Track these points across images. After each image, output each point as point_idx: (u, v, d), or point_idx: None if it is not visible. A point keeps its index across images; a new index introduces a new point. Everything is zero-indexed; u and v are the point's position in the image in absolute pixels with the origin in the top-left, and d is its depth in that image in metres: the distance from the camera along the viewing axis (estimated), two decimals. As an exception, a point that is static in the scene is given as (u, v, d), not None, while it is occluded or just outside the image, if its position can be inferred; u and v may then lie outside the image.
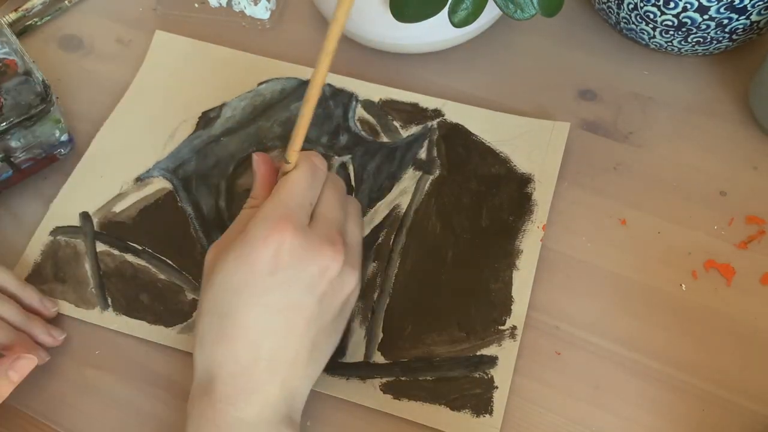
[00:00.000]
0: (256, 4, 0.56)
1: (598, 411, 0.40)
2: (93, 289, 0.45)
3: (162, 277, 0.45)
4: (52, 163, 0.49)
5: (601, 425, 0.39)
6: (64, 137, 0.48)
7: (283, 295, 0.35)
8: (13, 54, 0.48)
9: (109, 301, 0.44)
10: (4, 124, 0.44)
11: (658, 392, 0.40)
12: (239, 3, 0.57)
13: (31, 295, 0.43)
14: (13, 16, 0.58)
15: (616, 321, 0.42)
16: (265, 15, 0.57)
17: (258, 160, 0.40)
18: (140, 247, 0.46)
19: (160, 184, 0.49)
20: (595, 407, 0.40)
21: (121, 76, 0.55)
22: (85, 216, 0.47)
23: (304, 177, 0.37)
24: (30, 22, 0.58)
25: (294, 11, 0.58)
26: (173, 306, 0.44)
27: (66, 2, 0.59)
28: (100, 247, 0.46)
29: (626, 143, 0.49)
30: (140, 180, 0.49)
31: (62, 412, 0.41)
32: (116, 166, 0.49)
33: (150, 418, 0.41)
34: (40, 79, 0.46)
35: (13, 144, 0.46)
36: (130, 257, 0.46)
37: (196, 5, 0.58)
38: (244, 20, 0.57)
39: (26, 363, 0.38)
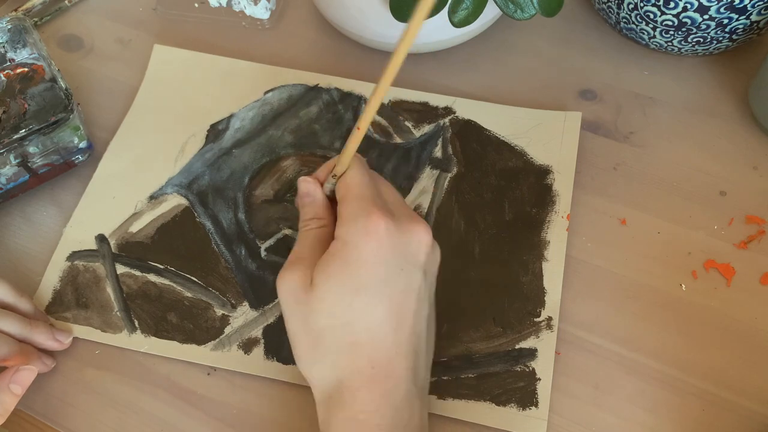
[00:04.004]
0: (256, 4, 0.56)
1: (598, 411, 0.40)
2: (118, 313, 0.44)
3: (188, 294, 0.44)
4: (70, 168, 0.49)
5: (601, 425, 0.39)
6: (82, 144, 0.48)
7: (397, 282, 0.35)
8: (41, 60, 0.48)
9: (136, 323, 0.44)
10: (24, 131, 0.44)
11: (658, 392, 0.40)
12: (239, 3, 0.57)
13: (26, 305, 0.43)
14: (13, 15, 0.58)
15: (616, 321, 0.42)
16: (265, 15, 0.57)
17: (307, 182, 0.39)
18: (162, 266, 0.45)
19: (175, 201, 0.48)
20: (595, 407, 0.40)
21: (122, 75, 0.55)
22: (101, 239, 0.47)
23: (363, 170, 0.37)
24: (30, 22, 0.58)
25: (294, 11, 0.58)
26: (203, 323, 0.43)
27: (66, 2, 0.59)
28: (121, 269, 0.46)
29: (626, 143, 0.49)
30: (154, 198, 0.48)
31: (62, 412, 0.41)
32: (128, 185, 0.49)
33: (150, 418, 0.41)
34: (64, 87, 0.46)
35: (31, 150, 0.45)
36: (152, 277, 0.45)
37: (196, 5, 0.58)
38: (244, 20, 0.57)
39: (27, 374, 0.39)
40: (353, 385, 0.34)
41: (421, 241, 0.36)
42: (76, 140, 0.47)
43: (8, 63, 0.48)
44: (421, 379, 0.36)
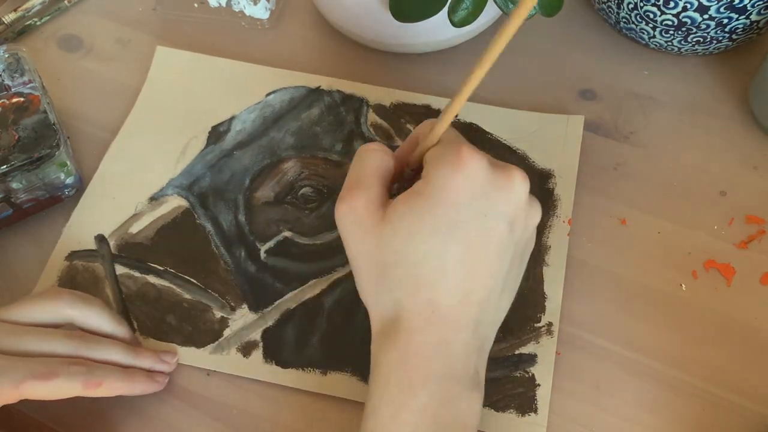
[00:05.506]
0: (255, 4, 0.56)
1: (598, 411, 0.40)
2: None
3: (187, 296, 0.44)
4: (56, 203, 0.48)
5: (601, 425, 0.39)
6: (70, 180, 0.47)
7: (479, 226, 0.33)
8: (38, 90, 0.47)
9: (135, 325, 0.43)
10: (5, 167, 0.43)
11: (658, 392, 0.40)
12: (239, 3, 0.57)
13: (125, 333, 0.41)
14: (12, 16, 0.58)
15: (616, 321, 0.42)
16: (264, 15, 0.57)
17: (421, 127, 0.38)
18: (161, 268, 0.45)
19: (175, 202, 0.48)
20: (595, 407, 0.40)
21: (121, 76, 0.55)
22: (101, 239, 0.47)
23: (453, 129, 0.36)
24: (30, 22, 0.58)
25: (294, 11, 0.58)
26: (202, 326, 0.43)
27: (66, 2, 0.59)
28: (120, 269, 0.45)
29: (626, 143, 0.49)
30: (155, 199, 0.48)
31: (62, 412, 0.41)
32: (128, 186, 0.49)
33: (150, 418, 0.41)
34: (52, 121, 0.45)
35: (14, 185, 0.44)
36: (152, 278, 0.45)
37: (196, 5, 0.58)
38: (244, 20, 0.57)
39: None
40: (411, 326, 0.33)
41: (513, 191, 0.33)
42: (62, 176, 0.46)
43: (5, 92, 0.46)
44: (482, 334, 0.34)
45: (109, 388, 0.38)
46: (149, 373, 0.40)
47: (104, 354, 0.39)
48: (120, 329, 0.41)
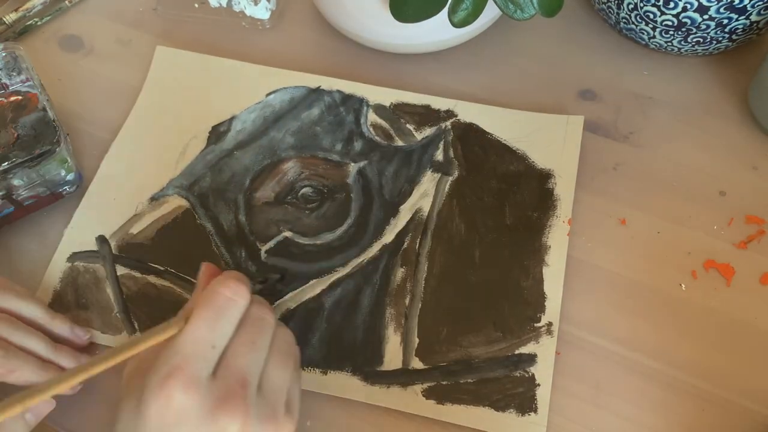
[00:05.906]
0: (256, 4, 0.56)
1: (598, 411, 0.40)
2: (118, 314, 0.44)
3: (188, 296, 0.44)
4: (57, 200, 0.48)
5: (601, 425, 0.39)
6: (70, 176, 0.47)
7: None
8: (36, 89, 0.47)
9: (136, 325, 0.43)
10: (6, 164, 0.43)
11: (658, 392, 0.40)
12: (239, 3, 0.57)
13: (61, 326, 0.41)
14: (13, 16, 0.58)
15: (616, 321, 0.42)
16: (265, 15, 0.57)
17: (203, 270, 0.38)
18: (162, 268, 0.45)
19: (176, 203, 0.48)
20: (595, 407, 0.40)
21: (122, 76, 0.55)
22: (102, 240, 0.47)
23: (204, 318, 0.33)
24: (30, 22, 0.58)
25: (294, 11, 0.58)
26: None
27: (66, 2, 0.59)
28: (121, 270, 0.45)
29: (626, 143, 0.49)
30: (155, 199, 0.48)
31: (62, 412, 0.41)
32: (129, 187, 0.49)
33: (150, 418, 0.41)
34: (52, 117, 0.45)
35: (15, 182, 0.45)
36: (152, 278, 0.45)
37: (196, 5, 0.58)
38: (244, 20, 0.57)
39: (45, 407, 0.38)
40: None
41: (214, 429, 0.31)
42: (63, 173, 0.46)
43: (3, 91, 0.46)
44: None
45: (21, 377, 0.38)
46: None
47: (25, 341, 0.39)
48: (56, 323, 0.41)
